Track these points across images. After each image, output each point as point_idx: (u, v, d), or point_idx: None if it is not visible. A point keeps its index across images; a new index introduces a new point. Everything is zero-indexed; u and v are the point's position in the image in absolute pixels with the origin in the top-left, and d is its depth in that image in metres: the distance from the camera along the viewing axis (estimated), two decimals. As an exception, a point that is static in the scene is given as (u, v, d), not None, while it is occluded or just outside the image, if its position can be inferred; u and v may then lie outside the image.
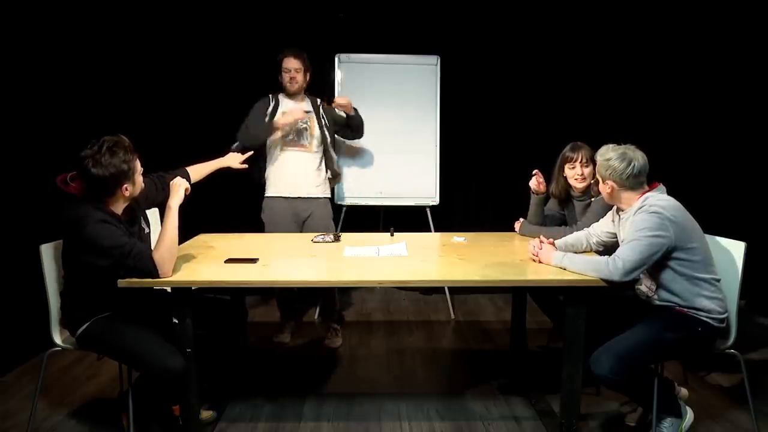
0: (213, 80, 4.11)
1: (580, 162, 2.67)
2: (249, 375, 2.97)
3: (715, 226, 2.32)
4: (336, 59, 3.88)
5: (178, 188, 2.22)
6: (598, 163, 2.25)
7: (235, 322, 2.83)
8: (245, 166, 2.87)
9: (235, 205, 4.06)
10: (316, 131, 3.27)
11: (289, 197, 3.27)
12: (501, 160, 4.34)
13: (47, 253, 2.21)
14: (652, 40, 4.13)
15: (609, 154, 2.21)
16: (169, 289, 2.34)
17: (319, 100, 3.35)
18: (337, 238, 2.83)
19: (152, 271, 2.00)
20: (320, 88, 4.04)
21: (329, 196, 3.44)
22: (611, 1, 4.09)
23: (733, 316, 2.18)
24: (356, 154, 3.83)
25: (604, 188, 2.25)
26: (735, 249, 2.21)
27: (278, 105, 3.26)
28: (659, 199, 2.14)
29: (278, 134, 3.19)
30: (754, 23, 3.91)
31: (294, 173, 3.26)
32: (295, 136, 3.24)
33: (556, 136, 2.84)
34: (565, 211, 2.86)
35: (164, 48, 3.98)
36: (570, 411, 2.21)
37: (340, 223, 3.76)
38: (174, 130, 4.06)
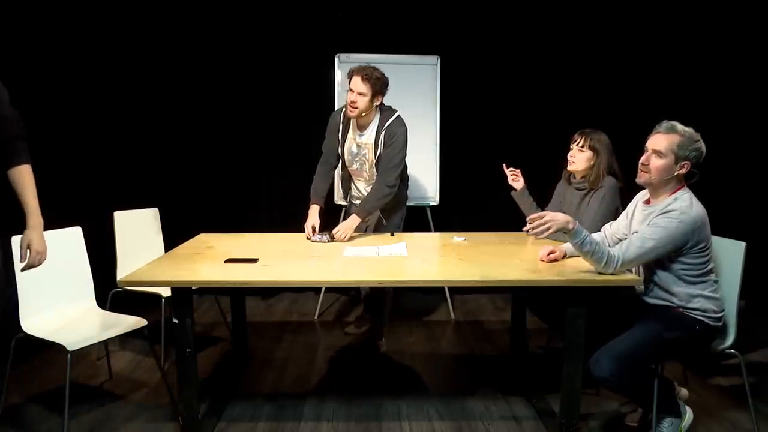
0: (212, 80, 4.11)
1: (578, 145, 2.67)
2: (249, 375, 2.97)
3: (715, 226, 2.31)
4: (336, 59, 3.88)
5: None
6: (677, 139, 2.11)
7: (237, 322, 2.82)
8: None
9: (235, 205, 4.06)
10: (372, 162, 3.09)
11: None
12: (501, 160, 4.32)
13: (18, 244, 2.25)
14: (654, 39, 4.13)
15: (692, 132, 2.13)
16: (168, 290, 2.34)
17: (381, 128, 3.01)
18: (335, 238, 2.84)
19: None
20: (320, 88, 4.06)
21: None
22: (611, 1, 4.10)
23: (733, 316, 2.19)
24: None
25: (674, 168, 2.12)
26: (735, 249, 2.22)
27: (347, 132, 3.06)
28: (685, 201, 2.10)
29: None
30: (754, 21, 3.92)
31: (357, 197, 3.23)
32: (357, 165, 3.14)
33: (557, 135, 2.84)
34: (563, 194, 2.85)
35: (164, 48, 3.99)
36: (570, 411, 2.21)
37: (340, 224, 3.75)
38: (172, 130, 4.07)
